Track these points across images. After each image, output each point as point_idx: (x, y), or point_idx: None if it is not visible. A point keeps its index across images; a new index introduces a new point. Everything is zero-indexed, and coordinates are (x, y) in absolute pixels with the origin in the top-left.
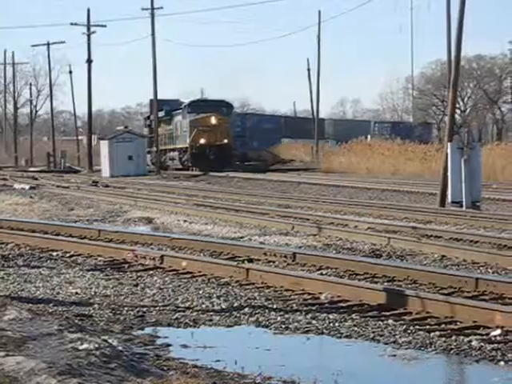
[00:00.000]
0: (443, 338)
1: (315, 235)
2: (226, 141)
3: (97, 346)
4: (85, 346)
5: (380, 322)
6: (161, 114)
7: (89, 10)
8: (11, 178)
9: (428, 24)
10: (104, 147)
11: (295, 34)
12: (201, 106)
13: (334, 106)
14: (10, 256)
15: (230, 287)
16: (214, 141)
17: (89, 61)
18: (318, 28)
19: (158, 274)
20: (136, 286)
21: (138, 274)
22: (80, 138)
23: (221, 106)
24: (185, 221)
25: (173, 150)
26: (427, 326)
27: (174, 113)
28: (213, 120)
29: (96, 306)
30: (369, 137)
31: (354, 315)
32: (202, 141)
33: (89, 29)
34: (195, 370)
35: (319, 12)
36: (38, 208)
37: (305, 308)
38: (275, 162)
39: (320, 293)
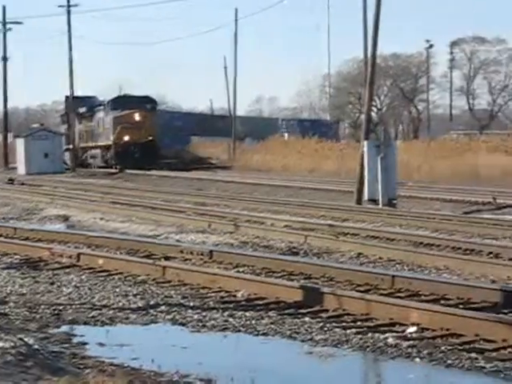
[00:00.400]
0: (359, 336)
1: (232, 233)
2: (150, 138)
3: (12, 344)
4: (0, 344)
5: (297, 320)
6: (82, 110)
7: (4, 7)
8: None
9: (346, 22)
10: (20, 145)
11: (214, 31)
12: (124, 102)
13: (251, 104)
14: None
15: (147, 285)
16: (139, 138)
17: (4, 58)
18: (235, 25)
19: (74, 272)
20: (52, 284)
21: (55, 272)
22: None
23: (145, 102)
24: (101, 218)
25: (94, 147)
26: (344, 324)
27: (95, 109)
28: (137, 116)
29: (12, 304)
30: (286, 135)
31: (270, 313)
32: (126, 138)
33: (5, 26)
34: (112, 369)
35: (236, 10)
36: None
37: (222, 306)
38: (193, 160)
39: (237, 290)
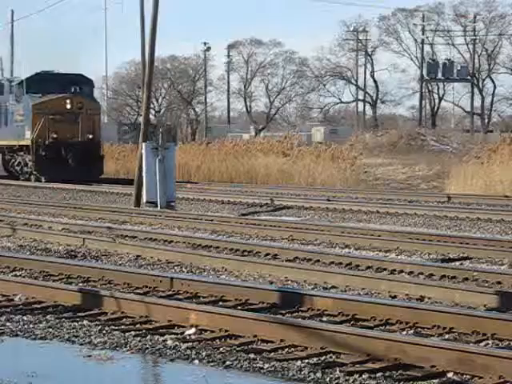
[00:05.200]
0: (138, 338)
1: (9, 236)
2: (90, 136)
3: None
4: None
5: (75, 323)
6: None
7: None
8: None
9: (124, 24)
10: None
11: None
12: (47, 82)
13: None
14: None
15: None
16: (72, 136)
17: None
18: (11, 27)
19: None
20: None
21: None
22: None
23: (79, 84)
24: None
25: None
26: (122, 326)
27: None
28: (68, 104)
29: None
30: None
31: (48, 316)
32: (55, 135)
33: None
34: None
35: (12, 11)
36: None
37: None
38: None
39: (14, 294)
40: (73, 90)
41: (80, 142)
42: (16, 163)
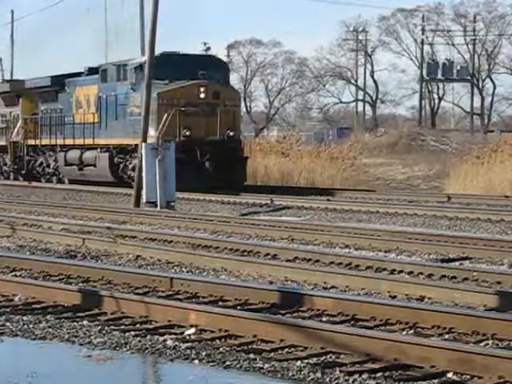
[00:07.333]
0: (138, 338)
1: (9, 236)
2: (231, 133)
3: None
4: None
5: (75, 323)
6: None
7: None
8: None
9: (125, 24)
10: None
11: None
12: (173, 65)
13: None
14: None
15: None
16: (209, 133)
17: None
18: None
19: None
20: None
21: None
22: None
23: (211, 67)
24: None
25: (73, 147)
26: (122, 326)
27: (68, 82)
28: (202, 93)
29: None
30: None
31: (48, 316)
32: (187, 132)
33: None
34: None
35: (12, 12)
36: None
37: None
38: None
39: (14, 294)
40: (204, 75)
41: (219, 141)
42: (130, 168)
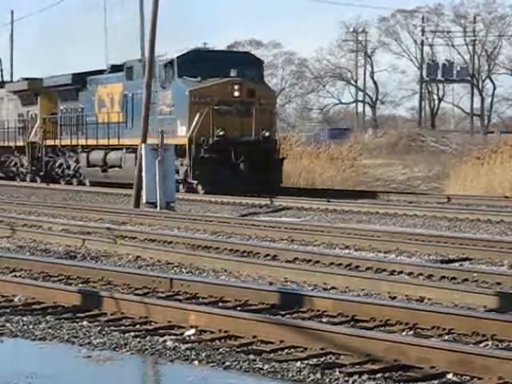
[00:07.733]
0: (138, 339)
1: (9, 237)
2: (266, 133)
3: None
4: None
5: (75, 324)
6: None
7: None
8: None
9: (125, 24)
10: None
11: None
12: (205, 62)
13: None
14: None
15: None
16: (244, 133)
17: None
18: (11, 27)
19: None
20: None
21: None
22: None
23: (245, 64)
24: None
25: (96, 147)
26: (122, 327)
27: (90, 79)
28: (236, 91)
29: None
30: None
31: (48, 317)
32: (221, 132)
33: None
34: None
35: (12, 12)
36: None
37: None
38: None
39: (14, 295)
40: (238, 72)
41: (254, 142)
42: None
